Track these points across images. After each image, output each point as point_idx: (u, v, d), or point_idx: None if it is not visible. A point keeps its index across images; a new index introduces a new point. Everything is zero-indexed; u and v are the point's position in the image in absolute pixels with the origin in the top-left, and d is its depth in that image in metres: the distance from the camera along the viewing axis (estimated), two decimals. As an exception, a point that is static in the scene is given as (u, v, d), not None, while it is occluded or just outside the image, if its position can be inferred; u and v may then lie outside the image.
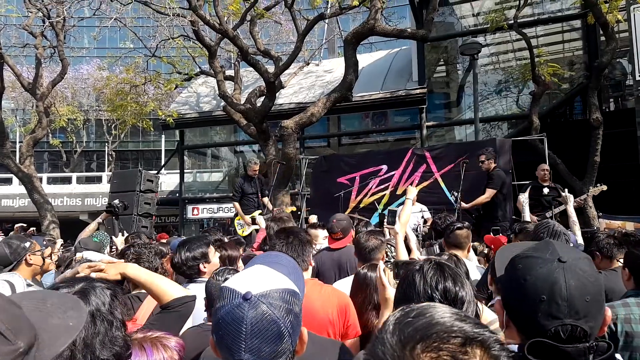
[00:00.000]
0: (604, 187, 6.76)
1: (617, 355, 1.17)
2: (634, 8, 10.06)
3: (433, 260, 1.66)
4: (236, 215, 8.32)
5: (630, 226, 7.58)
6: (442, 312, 0.76)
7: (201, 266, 2.93)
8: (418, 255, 3.28)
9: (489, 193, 6.73)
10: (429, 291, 1.53)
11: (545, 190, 6.68)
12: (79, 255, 3.72)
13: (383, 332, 0.76)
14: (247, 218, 8.02)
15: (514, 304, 1.17)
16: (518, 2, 11.17)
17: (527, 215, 5.42)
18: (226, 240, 4.00)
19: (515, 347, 1.16)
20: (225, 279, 2.26)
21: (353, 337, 2.46)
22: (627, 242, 3.47)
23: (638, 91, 10.60)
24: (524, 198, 5.46)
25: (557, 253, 1.15)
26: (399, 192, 9.10)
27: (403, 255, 2.99)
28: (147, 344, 1.56)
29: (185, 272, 2.94)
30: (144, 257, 3.20)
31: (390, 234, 3.80)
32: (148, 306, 2.61)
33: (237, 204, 8.25)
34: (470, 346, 0.71)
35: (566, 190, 5.55)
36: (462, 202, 6.95)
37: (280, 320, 1.10)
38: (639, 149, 10.39)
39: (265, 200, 8.18)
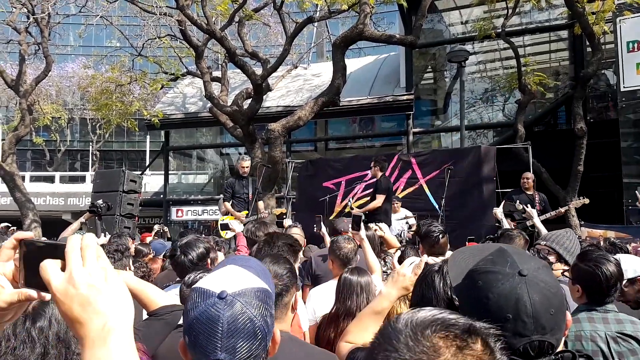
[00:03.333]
0: (586, 201, 6.86)
1: None
2: (619, 20, 10.20)
3: None
4: (225, 214, 7.83)
5: (611, 235, 7.64)
6: (436, 310, 0.83)
7: (209, 260, 3.01)
8: (376, 264, 3.23)
9: (380, 199, 6.96)
10: (449, 292, 1.48)
11: (519, 206, 6.84)
12: None
13: (390, 330, 0.81)
14: (241, 216, 7.46)
15: None
16: (506, 11, 11.25)
17: (506, 223, 5.57)
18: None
19: None
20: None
21: None
22: (614, 252, 3.46)
23: (622, 102, 10.75)
24: (499, 211, 5.75)
25: (517, 265, 1.11)
26: (384, 197, 9.08)
27: (373, 261, 2.99)
28: None
29: (195, 269, 2.91)
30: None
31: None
32: None
33: (227, 203, 7.74)
34: (471, 335, 0.78)
35: (529, 205, 5.74)
36: (354, 208, 7.40)
37: (255, 318, 1.10)
38: (621, 159, 10.53)
39: (260, 204, 7.76)
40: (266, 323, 1.12)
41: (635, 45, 10.22)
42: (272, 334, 1.17)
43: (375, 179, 7.32)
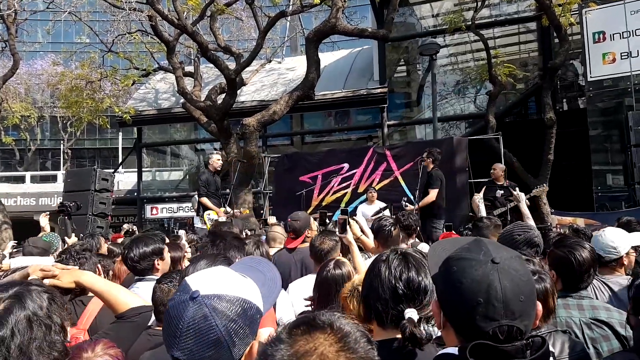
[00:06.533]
0: (546, 189, 7.02)
1: (551, 348, 1.18)
2: (585, 11, 10.44)
3: (399, 250, 1.68)
4: (205, 210, 7.50)
5: (580, 222, 7.87)
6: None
7: (156, 262, 2.86)
8: (363, 266, 3.25)
9: (433, 193, 6.92)
10: (393, 281, 1.56)
11: (498, 193, 6.90)
12: (5, 263, 3.52)
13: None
14: (222, 211, 7.39)
15: (450, 306, 1.17)
16: (476, 3, 11.40)
17: (483, 213, 5.62)
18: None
19: (454, 350, 1.17)
20: (173, 285, 2.18)
21: None
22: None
23: (590, 92, 11.02)
24: (478, 198, 5.71)
25: (490, 254, 1.15)
26: (360, 190, 9.16)
27: (360, 262, 3.01)
28: None
29: (137, 268, 2.84)
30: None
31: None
32: (93, 310, 2.54)
33: (205, 198, 7.52)
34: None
35: (517, 189, 5.78)
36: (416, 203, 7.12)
37: (219, 327, 1.04)
38: (590, 147, 10.81)
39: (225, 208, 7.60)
40: (230, 336, 1.05)
41: (601, 35, 10.49)
42: (248, 346, 1.10)
43: (427, 171, 7.07)
